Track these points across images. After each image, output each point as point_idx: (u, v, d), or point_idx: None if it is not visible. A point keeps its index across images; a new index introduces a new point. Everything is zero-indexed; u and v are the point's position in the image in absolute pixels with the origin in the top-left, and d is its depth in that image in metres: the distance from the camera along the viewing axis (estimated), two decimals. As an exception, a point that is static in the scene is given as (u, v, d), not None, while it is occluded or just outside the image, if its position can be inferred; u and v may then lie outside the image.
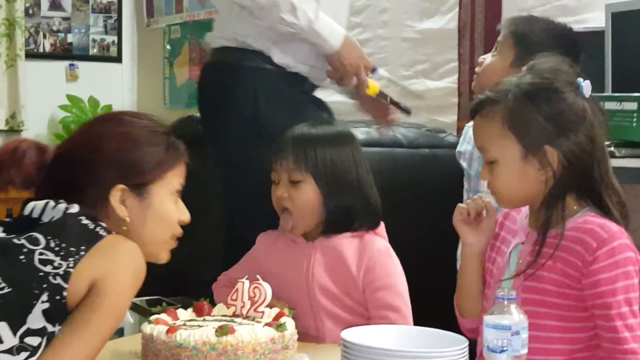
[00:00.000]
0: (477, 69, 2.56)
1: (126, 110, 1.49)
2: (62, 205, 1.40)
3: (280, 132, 2.09)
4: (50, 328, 1.30)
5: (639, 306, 1.49)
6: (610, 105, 2.27)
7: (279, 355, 1.51)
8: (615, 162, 2.26)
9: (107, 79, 5.32)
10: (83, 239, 1.36)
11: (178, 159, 1.56)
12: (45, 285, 1.30)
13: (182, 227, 1.60)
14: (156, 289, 2.17)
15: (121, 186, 1.47)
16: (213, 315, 1.66)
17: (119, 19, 5.41)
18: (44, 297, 1.29)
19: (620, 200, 1.58)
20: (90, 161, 1.49)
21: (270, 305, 1.67)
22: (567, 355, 1.53)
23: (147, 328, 1.53)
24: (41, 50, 5.14)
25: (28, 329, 1.28)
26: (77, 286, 1.32)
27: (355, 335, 1.44)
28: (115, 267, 1.35)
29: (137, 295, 2.14)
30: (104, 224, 1.42)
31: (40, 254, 1.32)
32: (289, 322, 1.58)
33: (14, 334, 1.27)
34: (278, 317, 1.61)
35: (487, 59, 2.50)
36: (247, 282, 1.68)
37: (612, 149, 2.25)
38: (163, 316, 1.59)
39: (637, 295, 1.49)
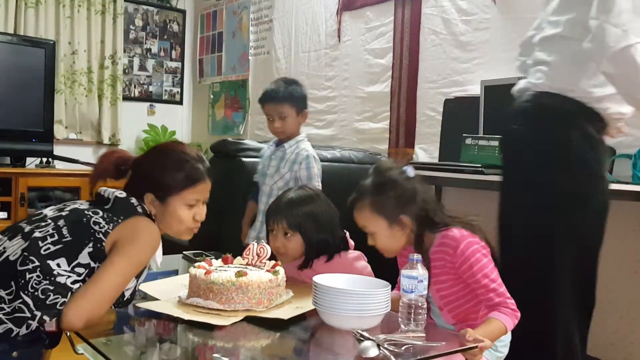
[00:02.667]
0: None
1: (178, 142, 1.44)
2: (111, 190, 1.44)
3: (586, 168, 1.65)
4: (92, 264, 1.31)
5: (492, 266, 1.48)
6: (482, 142, 2.27)
7: (274, 290, 1.49)
8: (484, 178, 2.28)
9: (173, 114, 5.28)
10: (124, 212, 1.39)
11: (194, 183, 1.47)
12: (92, 238, 1.32)
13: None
14: (199, 247, 2.14)
15: (151, 195, 1.45)
16: (234, 264, 1.63)
17: (182, 77, 5.36)
18: (90, 245, 1.31)
19: (456, 217, 1.57)
20: (141, 173, 1.49)
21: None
22: (455, 301, 1.54)
23: (192, 270, 1.51)
24: (132, 95, 5.08)
25: (78, 262, 1.30)
26: (110, 241, 1.33)
27: (321, 279, 1.43)
28: (133, 234, 1.35)
29: (187, 249, 2.14)
30: (144, 206, 1.45)
31: (95, 219, 1.34)
32: (280, 270, 1.56)
33: (69, 265, 1.29)
34: (274, 266, 1.59)
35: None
36: (256, 244, 1.66)
37: (481, 169, 2.26)
38: (203, 263, 1.57)
39: (488, 261, 1.49)
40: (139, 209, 1.42)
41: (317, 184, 2.29)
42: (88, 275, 1.31)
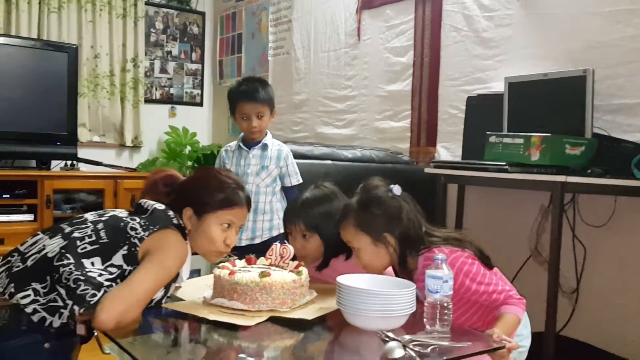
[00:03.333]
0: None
1: (225, 169, 1.76)
2: (151, 202, 1.52)
3: None
4: (124, 266, 1.36)
5: (482, 271, 1.48)
6: (507, 140, 2.24)
7: (297, 290, 1.49)
8: (508, 176, 2.25)
9: (194, 116, 5.31)
10: (160, 221, 1.45)
11: (231, 205, 1.55)
12: (127, 242, 1.38)
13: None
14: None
15: (190, 210, 1.53)
16: (257, 265, 1.64)
17: (202, 79, 5.39)
18: (125, 247, 1.38)
19: (441, 235, 1.56)
20: (184, 190, 1.59)
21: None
22: (455, 312, 1.50)
23: (216, 271, 1.52)
24: (154, 97, 5.12)
25: (112, 263, 1.36)
26: (143, 247, 1.38)
27: (345, 279, 1.42)
28: (164, 244, 1.40)
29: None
30: (180, 220, 1.52)
31: (132, 225, 1.41)
32: (304, 270, 1.56)
33: (102, 264, 1.35)
34: (297, 267, 1.59)
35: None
36: (279, 244, 1.66)
37: (506, 167, 2.23)
38: (226, 264, 1.58)
39: (476, 267, 1.48)
40: (175, 221, 1.48)
41: (300, 178, 2.50)
42: (119, 276, 1.35)
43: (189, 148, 4.97)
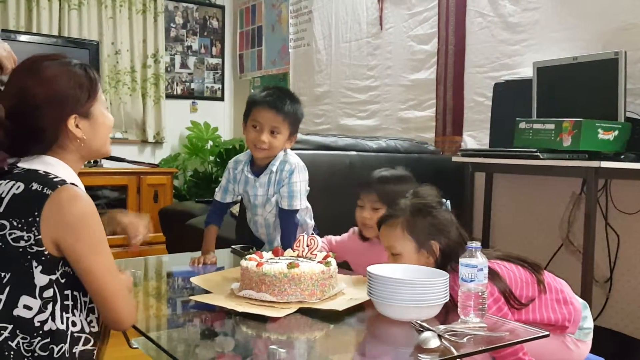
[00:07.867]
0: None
1: (41, 54, 1.28)
2: (10, 184, 1.18)
3: None
4: (53, 277, 1.15)
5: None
6: (537, 126, 2.19)
7: (326, 282, 1.46)
8: (539, 162, 2.20)
9: (215, 110, 5.33)
10: (33, 204, 1.13)
11: (96, 80, 1.29)
12: (29, 257, 1.13)
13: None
14: (249, 242, 2.13)
15: (74, 116, 1.23)
16: (285, 256, 1.61)
17: (222, 74, 5.41)
18: (34, 263, 1.13)
19: None
20: (41, 107, 1.21)
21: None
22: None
23: (243, 263, 1.49)
24: (175, 93, 5.15)
25: (40, 287, 1.13)
26: (48, 240, 1.14)
27: (376, 269, 1.40)
28: (69, 222, 1.14)
29: (236, 243, 2.14)
30: (51, 176, 1.19)
31: (10, 234, 1.13)
32: (332, 261, 1.54)
33: (35, 297, 1.13)
34: (325, 257, 1.57)
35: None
36: (306, 236, 1.64)
37: (537, 154, 2.18)
38: (254, 256, 1.56)
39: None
40: (46, 191, 1.15)
41: (298, 204, 2.02)
42: (63, 288, 1.17)
43: (210, 143, 4.99)
